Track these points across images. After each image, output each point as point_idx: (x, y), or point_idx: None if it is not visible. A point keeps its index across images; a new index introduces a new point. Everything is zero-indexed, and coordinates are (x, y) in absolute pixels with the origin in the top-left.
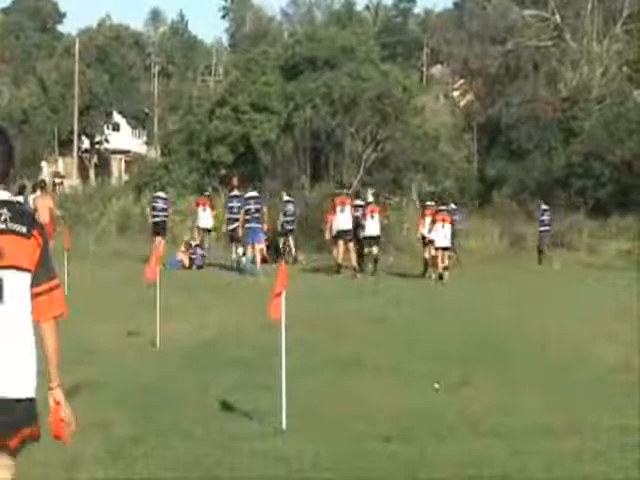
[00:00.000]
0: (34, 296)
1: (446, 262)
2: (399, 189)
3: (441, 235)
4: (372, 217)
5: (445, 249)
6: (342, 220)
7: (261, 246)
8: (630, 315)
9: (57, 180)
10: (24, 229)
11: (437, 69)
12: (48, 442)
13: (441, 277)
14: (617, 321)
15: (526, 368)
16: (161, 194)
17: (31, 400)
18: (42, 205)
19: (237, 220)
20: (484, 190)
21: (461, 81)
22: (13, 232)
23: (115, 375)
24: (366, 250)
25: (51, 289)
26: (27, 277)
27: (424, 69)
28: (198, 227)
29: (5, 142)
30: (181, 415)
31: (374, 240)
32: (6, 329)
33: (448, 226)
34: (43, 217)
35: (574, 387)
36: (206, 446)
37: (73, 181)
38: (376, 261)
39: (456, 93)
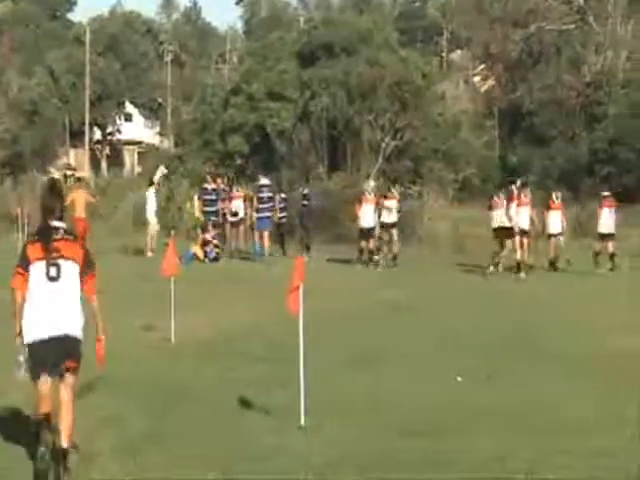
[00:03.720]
0: (85, 280)
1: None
2: (419, 178)
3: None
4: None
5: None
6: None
7: (268, 233)
8: None
9: (68, 172)
10: (73, 238)
11: (457, 54)
12: None
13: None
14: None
15: (556, 361)
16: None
17: (80, 340)
18: (79, 199)
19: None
20: (507, 177)
21: (482, 66)
22: (66, 240)
23: (130, 370)
24: (362, 244)
25: (94, 276)
26: (76, 266)
27: (444, 54)
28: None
29: (59, 193)
30: (197, 411)
31: (371, 232)
32: (64, 296)
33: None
34: (79, 212)
35: (601, 379)
36: (224, 441)
37: (85, 173)
38: (372, 253)
39: (477, 79)
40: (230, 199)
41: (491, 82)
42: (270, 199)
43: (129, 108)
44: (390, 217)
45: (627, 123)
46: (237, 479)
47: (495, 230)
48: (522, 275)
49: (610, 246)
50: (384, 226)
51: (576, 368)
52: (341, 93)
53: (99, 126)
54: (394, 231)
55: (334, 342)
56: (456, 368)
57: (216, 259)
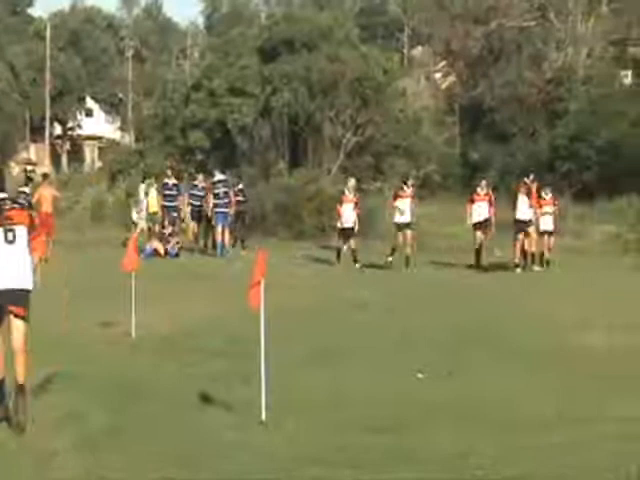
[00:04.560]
0: (30, 239)
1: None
2: (380, 174)
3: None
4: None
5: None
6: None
7: (228, 228)
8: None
9: (29, 167)
10: (19, 206)
11: (418, 51)
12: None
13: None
14: (601, 306)
15: (517, 357)
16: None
17: (29, 291)
18: (46, 195)
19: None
20: (468, 174)
21: (443, 63)
22: (15, 209)
23: (90, 366)
24: (340, 244)
25: (37, 235)
26: (25, 229)
27: (405, 51)
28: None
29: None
30: (158, 406)
31: (351, 231)
32: (18, 256)
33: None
34: (46, 207)
35: (563, 374)
36: (184, 437)
37: (45, 168)
38: (353, 252)
39: (438, 75)
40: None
41: (452, 79)
42: (226, 194)
43: (90, 103)
44: (403, 217)
45: (587, 120)
46: (199, 477)
47: (475, 225)
48: (536, 268)
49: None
50: (398, 226)
51: (537, 363)
52: (302, 89)
53: (59, 121)
54: (409, 232)
55: (295, 337)
56: (417, 364)
57: (177, 255)
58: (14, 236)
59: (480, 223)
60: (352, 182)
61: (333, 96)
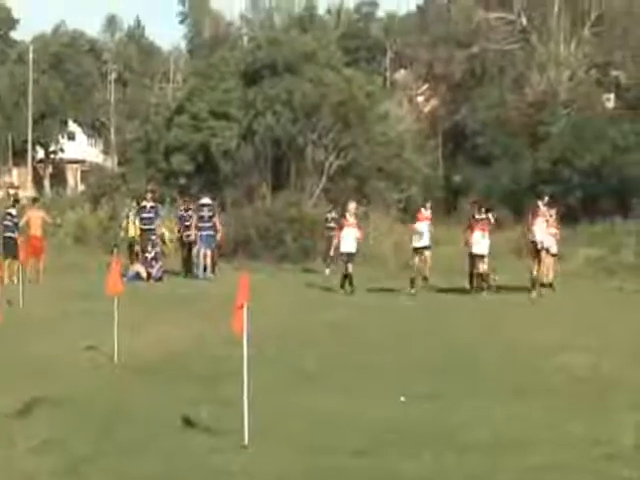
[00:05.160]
0: None
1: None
2: (363, 197)
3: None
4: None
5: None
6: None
7: (210, 252)
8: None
9: (11, 191)
10: None
11: (401, 74)
12: (2, 457)
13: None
14: (582, 329)
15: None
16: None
17: None
18: (35, 217)
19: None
20: (450, 197)
21: (425, 86)
22: None
23: (73, 390)
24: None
25: None
26: None
27: (387, 74)
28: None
29: None
30: (141, 431)
31: (351, 256)
32: None
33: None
34: (34, 229)
35: (544, 397)
36: (167, 462)
37: (27, 192)
38: (348, 277)
39: (420, 98)
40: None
41: (435, 102)
42: (210, 218)
43: (72, 127)
44: (421, 241)
45: (570, 143)
46: None
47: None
48: (534, 294)
49: (481, 265)
50: (416, 250)
51: (516, 386)
52: (285, 112)
53: (42, 145)
54: (428, 253)
55: (277, 360)
56: (398, 387)
57: (160, 278)
58: None
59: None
60: (352, 205)
61: (316, 119)
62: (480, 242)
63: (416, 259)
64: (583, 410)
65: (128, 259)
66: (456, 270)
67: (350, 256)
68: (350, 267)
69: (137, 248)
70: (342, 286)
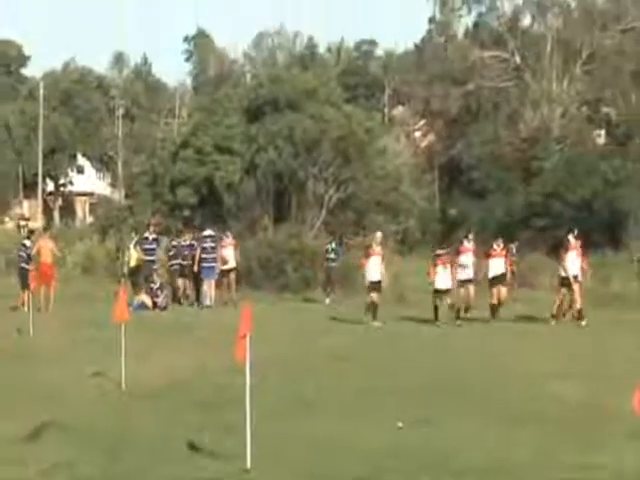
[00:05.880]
0: None
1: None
2: (362, 229)
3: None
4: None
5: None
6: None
7: (213, 281)
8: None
9: (22, 223)
10: None
11: (398, 110)
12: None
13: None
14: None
15: (487, 407)
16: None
17: None
18: (46, 246)
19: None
20: (446, 230)
21: (422, 122)
22: None
23: (81, 416)
24: (371, 297)
25: None
26: None
27: (386, 110)
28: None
29: None
30: (147, 456)
31: (378, 284)
32: None
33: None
34: (45, 257)
35: (535, 423)
36: None
37: (38, 223)
38: (375, 306)
39: (417, 134)
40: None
41: (431, 137)
42: (213, 249)
43: (81, 160)
44: (464, 274)
45: (562, 177)
46: None
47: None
48: (583, 323)
49: (448, 299)
50: (461, 283)
51: (509, 412)
52: (286, 147)
53: (52, 178)
54: (471, 287)
55: (278, 388)
56: (396, 413)
57: (165, 307)
58: None
59: (496, 278)
60: (379, 235)
61: (316, 154)
62: (443, 277)
63: (461, 290)
64: (575, 437)
65: (132, 289)
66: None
67: (376, 284)
68: (376, 296)
69: (138, 278)
70: (373, 316)
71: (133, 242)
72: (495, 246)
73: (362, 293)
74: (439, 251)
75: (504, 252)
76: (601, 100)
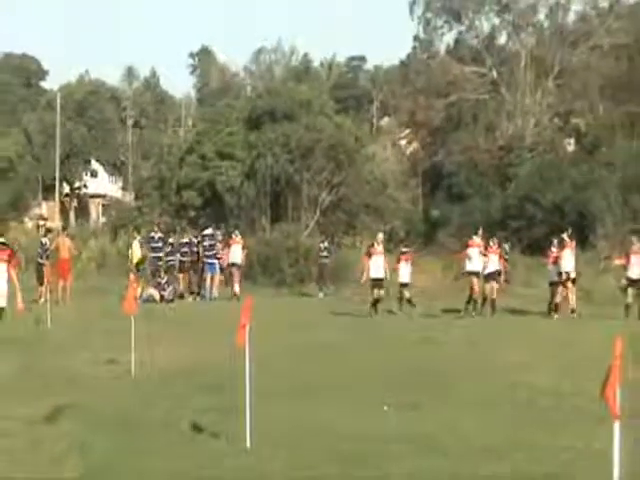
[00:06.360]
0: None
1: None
2: (352, 229)
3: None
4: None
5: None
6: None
7: (217, 276)
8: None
9: (41, 222)
10: (3, 246)
11: (385, 120)
12: (29, 461)
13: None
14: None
15: (468, 394)
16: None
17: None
18: (63, 244)
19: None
20: (429, 230)
21: (407, 131)
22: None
23: (95, 400)
24: (375, 293)
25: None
26: (6, 263)
27: (374, 120)
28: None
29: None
30: (156, 437)
31: (381, 281)
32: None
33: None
34: (63, 253)
35: (511, 409)
36: (181, 463)
37: (55, 223)
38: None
39: (403, 142)
40: (228, 246)
41: (415, 145)
42: (212, 247)
43: (95, 165)
44: (470, 265)
45: (535, 183)
46: None
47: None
48: (556, 316)
49: (406, 293)
50: (470, 274)
51: (487, 399)
52: (283, 154)
53: (68, 181)
54: (475, 279)
55: (276, 374)
56: (383, 398)
57: (172, 300)
58: None
59: (490, 274)
60: (380, 235)
61: (310, 160)
62: (404, 271)
63: (474, 283)
64: (546, 421)
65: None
66: (435, 297)
67: (379, 281)
68: (378, 292)
69: (142, 272)
70: (376, 311)
71: (136, 240)
72: (491, 243)
73: (352, 288)
74: (403, 249)
75: (498, 250)
76: (571, 112)
